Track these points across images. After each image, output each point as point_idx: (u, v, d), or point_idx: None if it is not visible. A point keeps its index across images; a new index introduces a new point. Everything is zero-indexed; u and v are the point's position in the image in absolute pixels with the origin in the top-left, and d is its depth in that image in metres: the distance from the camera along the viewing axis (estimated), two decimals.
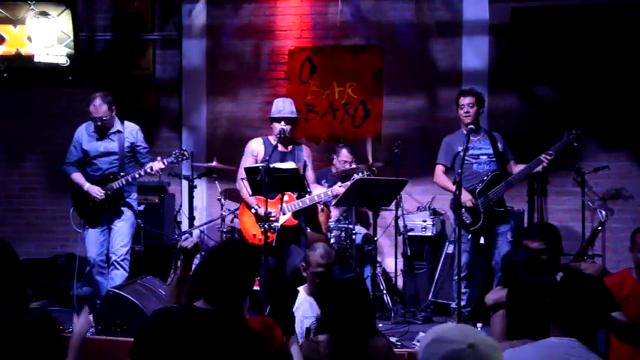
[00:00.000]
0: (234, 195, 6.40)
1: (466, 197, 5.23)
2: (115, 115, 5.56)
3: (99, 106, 5.42)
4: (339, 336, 2.98)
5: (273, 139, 5.38)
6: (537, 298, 2.84)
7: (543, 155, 5.26)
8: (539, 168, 5.32)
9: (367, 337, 3.02)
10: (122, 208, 5.56)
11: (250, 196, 5.21)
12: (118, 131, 5.56)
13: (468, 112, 5.40)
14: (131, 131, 5.62)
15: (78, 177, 5.60)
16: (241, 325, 2.59)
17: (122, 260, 5.51)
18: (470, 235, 5.33)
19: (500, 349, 1.92)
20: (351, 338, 2.97)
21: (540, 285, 2.87)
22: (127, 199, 5.61)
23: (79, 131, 5.66)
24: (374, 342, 3.04)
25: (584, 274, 3.28)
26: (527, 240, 3.74)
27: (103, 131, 5.54)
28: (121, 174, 5.48)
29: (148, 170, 5.38)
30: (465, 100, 5.43)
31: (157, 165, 5.33)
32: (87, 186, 5.53)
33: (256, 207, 5.25)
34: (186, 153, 5.50)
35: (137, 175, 5.44)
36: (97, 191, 5.47)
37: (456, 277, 5.47)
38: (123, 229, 5.54)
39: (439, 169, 5.59)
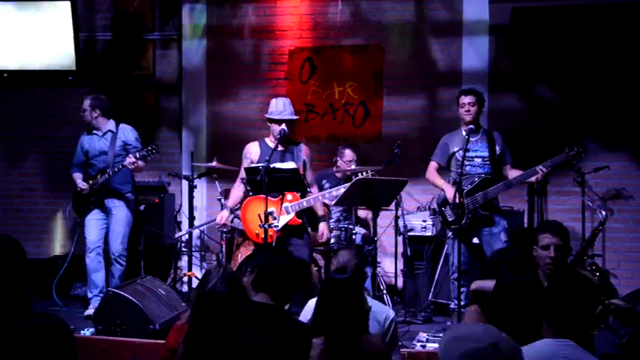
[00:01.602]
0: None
1: (452, 193, 5.24)
2: (101, 117, 5.88)
3: (84, 100, 5.93)
4: (332, 337, 2.97)
5: (270, 140, 5.38)
6: (521, 299, 2.79)
7: (539, 167, 5.25)
8: (533, 179, 5.34)
9: (359, 336, 3.02)
10: (114, 207, 5.81)
11: (250, 195, 5.23)
12: (111, 131, 5.88)
13: (468, 110, 5.40)
14: (123, 131, 5.92)
15: (76, 176, 5.94)
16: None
17: (119, 257, 5.80)
18: (451, 233, 5.36)
19: (522, 351, 1.90)
20: (344, 338, 2.96)
21: (524, 285, 2.84)
22: (125, 195, 5.85)
23: (81, 136, 6.02)
24: (368, 339, 3.03)
25: (576, 272, 3.27)
26: (548, 234, 3.66)
27: (90, 129, 5.91)
28: (107, 170, 5.73)
29: (120, 167, 5.66)
30: (466, 99, 5.43)
31: (128, 160, 5.61)
32: (77, 182, 5.89)
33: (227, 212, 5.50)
34: (156, 147, 5.69)
35: (115, 170, 5.68)
36: (80, 184, 5.83)
37: (451, 277, 5.48)
38: (118, 226, 5.80)
39: (432, 165, 5.60)
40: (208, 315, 2.71)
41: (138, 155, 5.60)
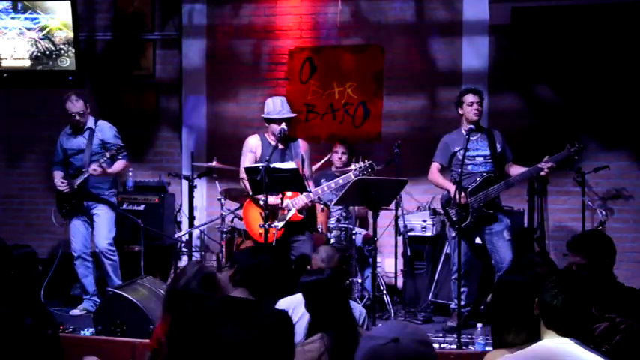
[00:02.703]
0: (234, 195, 6.40)
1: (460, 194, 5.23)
2: (89, 113, 5.82)
3: (75, 101, 5.71)
4: (335, 335, 2.97)
5: (269, 138, 5.39)
6: (513, 299, 2.75)
7: (542, 164, 5.26)
8: (543, 173, 5.35)
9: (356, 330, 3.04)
10: (96, 205, 5.76)
11: (250, 195, 5.24)
12: (90, 129, 5.78)
13: (477, 109, 5.40)
14: (101, 129, 5.82)
15: (56, 174, 5.88)
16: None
17: (107, 251, 5.73)
18: (455, 233, 5.36)
19: (432, 346, 1.88)
20: (345, 335, 2.97)
21: (516, 285, 2.78)
22: (102, 196, 5.79)
23: (61, 134, 5.94)
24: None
25: (571, 271, 3.23)
26: (570, 253, 3.41)
27: (78, 130, 5.80)
28: (84, 170, 5.66)
29: (91, 172, 5.58)
30: (475, 98, 5.42)
31: (91, 168, 5.57)
32: (55, 180, 5.83)
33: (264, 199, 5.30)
34: (119, 150, 5.62)
35: (91, 171, 5.59)
36: (58, 182, 5.76)
37: (452, 277, 5.48)
38: (102, 222, 5.75)
39: (434, 166, 5.60)
40: (185, 312, 2.70)
41: (102, 160, 5.56)
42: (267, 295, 3.12)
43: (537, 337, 2.52)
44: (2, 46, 7.00)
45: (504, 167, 5.51)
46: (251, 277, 2.98)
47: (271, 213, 5.07)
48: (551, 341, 2.43)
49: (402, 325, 1.88)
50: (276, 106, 5.41)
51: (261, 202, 5.25)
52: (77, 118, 5.72)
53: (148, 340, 4.58)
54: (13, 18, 6.96)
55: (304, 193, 5.23)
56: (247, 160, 5.38)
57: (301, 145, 5.49)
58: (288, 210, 5.21)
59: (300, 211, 5.28)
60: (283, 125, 5.28)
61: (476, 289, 5.69)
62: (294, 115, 5.50)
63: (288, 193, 5.19)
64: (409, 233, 6.08)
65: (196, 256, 7.03)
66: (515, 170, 5.46)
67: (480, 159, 5.42)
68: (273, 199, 5.08)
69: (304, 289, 3.19)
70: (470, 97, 5.43)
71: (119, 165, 5.77)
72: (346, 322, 3.09)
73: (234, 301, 2.85)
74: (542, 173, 5.33)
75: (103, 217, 5.76)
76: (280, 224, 5.13)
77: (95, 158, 5.68)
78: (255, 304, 2.82)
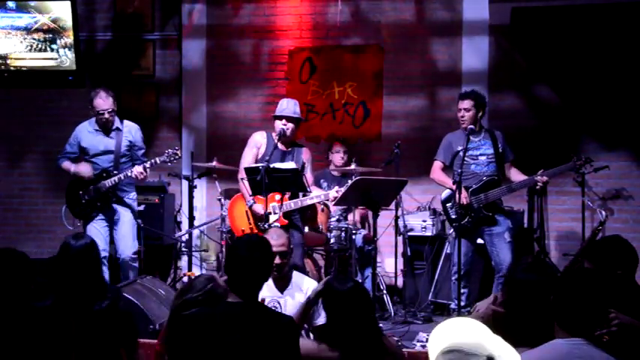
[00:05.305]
0: (233, 195, 6.40)
1: (462, 195, 5.23)
2: (115, 113, 5.55)
3: (105, 99, 5.42)
4: (349, 349, 2.93)
5: (274, 137, 5.40)
6: (531, 297, 2.72)
7: (538, 178, 5.30)
8: (539, 185, 5.39)
9: (377, 341, 2.98)
10: (120, 209, 5.55)
11: (250, 195, 5.23)
12: (118, 129, 5.55)
13: (463, 115, 5.40)
14: (130, 130, 5.61)
15: (67, 164, 5.56)
16: (271, 311, 2.93)
17: (132, 260, 5.53)
18: (453, 231, 5.36)
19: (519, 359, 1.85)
20: (361, 350, 2.94)
21: (534, 284, 2.74)
22: (125, 199, 5.59)
23: (79, 129, 5.64)
24: (387, 341, 3.02)
25: (585, 269, 3.18)
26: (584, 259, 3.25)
27: (104, 128, 5.53)
28: (114, 172, 5.44)
29: (130, 174, 5.33)
30: (463, 104, 5.41)
31: (136, 170, 5.30)
32: (73, 168, 5.50)
33: (251, 201, 5.28)
34: (179, 153, 5.48)
35: (125, 175, 5.38)
36: (84, 169, 5.42)
37: (452, 277, 5.48)
38: (126, 231, 5.54)
39: (437, 165, 5.60)
40: (187, 319, 2.70)
41: (158, 161, 5.35)
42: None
43: (551, 336, 2.50)
44: (3, 46, 7.00)
45: (503, 168, 5.51)
46: (231, 275, 2.90)
47: (257, 218, 5.19)
48: (564, 341, 2.42)
49: (488, 338, 1.84)
50: (282, 105, 5.44)
51: (250, 207, 5.30)
52: (106, 116, 5.40)
53: (147, 340, 4.60)
54: (12, 17, 6.96)
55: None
56: (250, 155, 5.35)
57: (304, 152, 5.48)
58: (274, 213, 5.18)
59: (285, 215, 5.26)
60: (283, 123, 5.28)
61: (477, 289, 5.69)
62: (296, 116, 5.43)
63: (276, 197, 5.18)
64: (409, 233, 6.09)
65: (196, 256, 7.04)
66: (514, 174, 5.47)
67: (484, 158, 5.42)
68: (260, 208, 5.10)
69: (345, 298, 3.05)
70: (459, 103, 5.46)
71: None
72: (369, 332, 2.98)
73: (233, 307, 2.81)
74: (537, 187, 5.36)
75: (128, 224, 5.53)
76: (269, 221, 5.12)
77: (123, 160, 5.50)
78: (252, 309, 2.78)
